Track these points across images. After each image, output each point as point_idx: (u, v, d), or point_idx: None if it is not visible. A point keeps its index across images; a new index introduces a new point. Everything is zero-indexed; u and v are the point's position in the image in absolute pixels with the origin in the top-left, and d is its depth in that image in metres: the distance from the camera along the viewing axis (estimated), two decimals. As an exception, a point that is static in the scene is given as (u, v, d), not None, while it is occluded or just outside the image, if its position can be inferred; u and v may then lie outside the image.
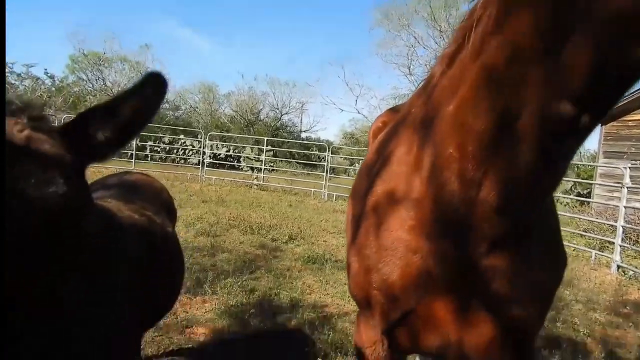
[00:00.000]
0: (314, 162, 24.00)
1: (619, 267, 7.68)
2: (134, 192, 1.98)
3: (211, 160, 19.77)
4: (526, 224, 1.14)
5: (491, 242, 1.13)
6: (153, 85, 0.99)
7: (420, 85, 1.44)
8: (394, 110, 2.78)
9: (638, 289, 6.82)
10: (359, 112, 22.97)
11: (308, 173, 23.78)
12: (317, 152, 26.82)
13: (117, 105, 0.98)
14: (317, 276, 5.74)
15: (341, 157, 29.39)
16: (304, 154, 25.54)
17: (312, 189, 16.56)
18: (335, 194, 15.86)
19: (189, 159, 21.14)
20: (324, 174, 16.86)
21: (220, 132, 31.00)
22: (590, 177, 16.93)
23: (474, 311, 1.23)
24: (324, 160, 17.29)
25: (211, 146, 20.55)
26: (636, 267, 7.65)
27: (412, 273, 1.25)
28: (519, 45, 0.89)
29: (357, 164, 28.37)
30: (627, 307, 5.92)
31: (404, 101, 2.97)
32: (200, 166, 17.78)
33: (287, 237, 7.72)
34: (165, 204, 2.20)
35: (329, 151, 17.39)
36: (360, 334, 1.57)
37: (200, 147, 18.69)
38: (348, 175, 26.83)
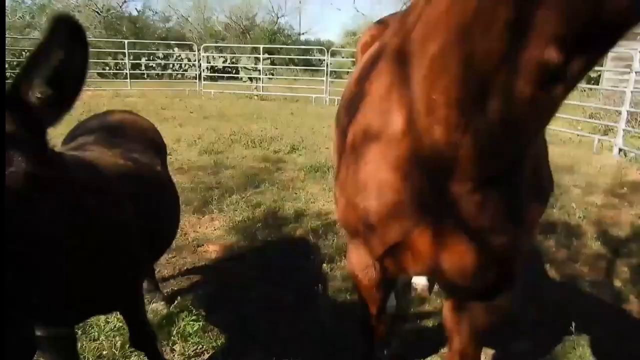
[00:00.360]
0: (315, 67, 23.30)
1: (620, 150, 7.73)
2: (118, 134, 2.00)
3: (209, 73, 19.30)
4: (512, 163, 1.16)
5: (475, 181, 1.15)
6: (65, 32, 0.93)
7: (404, 10, 1.35)
8: (381, 23, 2.65)
9: (637, 170, 6.92)
10: (357, 11, 21.53)
11: (310, 78, 23.22)
12: (317, 56, 25.95)
13: (41, 63, 0.94)
14: (321, 184, 5.91)
15: (343, 58, 28.36)
16: (304, 59, 24.73)
17: (314, 95, 16.30)
18: (337, 98, 15.60)
19: (185, 73, 20.64)
20: (324, 78, 16.47)
21: (216, 42, 29.82)
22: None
23: (457, 241, 1.29)
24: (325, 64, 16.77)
25: (207, 58, 19.94)
26: (638, 149, 7.68)
27: (395, 210, 1.30)
28: None
29: (359, 63, 27.34)
30: (625, 188, 6.08)
31: (393, 14, 2.81)
32: (197, 80, 17.43)
33: (289, 148, 7.81)
34: (152, 142, 2.23)
35: (328, 54, 16.81)
36: (352, 260, 1.68)
37: (196, 60, 18.16)
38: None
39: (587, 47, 0.79)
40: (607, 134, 9.41)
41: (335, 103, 15.22)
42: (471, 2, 0.89)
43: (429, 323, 3.00)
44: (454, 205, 1.22)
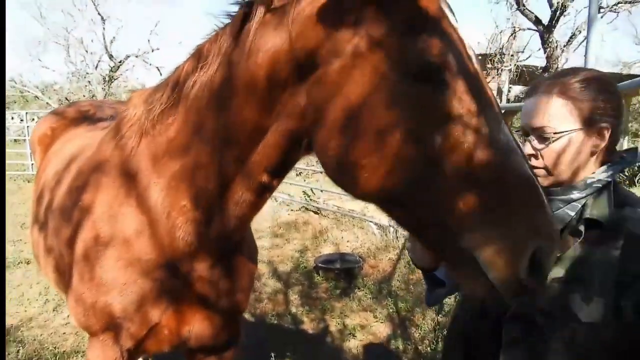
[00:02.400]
0: None
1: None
2: None
3: None
4: (240, 238, 1.54)
5: (214, 258, 1.46)
6: None
7: (112, 124, 1.50)
8: (59, 114, 2.62)
9: (287, 212, 8.66)
10: None
11: None
12: None
13: None
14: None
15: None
16: None
17: None
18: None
19: None
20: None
21: None
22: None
23: (203, 312, 1.54)
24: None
25: None
26: (283, 194, 9.59)
27: (143, 301, 1.44)
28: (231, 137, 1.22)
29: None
30: (281, 228, 7.50)
31: (72, 107, 2.79)
32: None
33: None
34: None
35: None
36: (99, 355, 1.64)
37: None
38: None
39: (281, 173, 1.29)
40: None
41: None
42: (204, 151, 1.26)
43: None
44: (197, 281, 1.49)
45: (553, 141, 1.18)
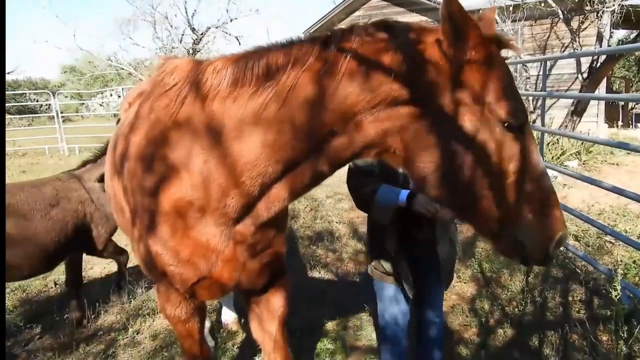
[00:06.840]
0: (35, 112, 19.97)
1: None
2: None
3: None
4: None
5: (260, 225, 1.64)
6: None
7: (185, 80, 1.54)
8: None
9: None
10: (81, 49, 18.95)
11: (29, 125, 19.97)
12: (36, 99, 22.43)
13: None
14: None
15: (67, 97, 25.39)
16: (18, 104, 21.12)
17: (47, 146, 14.24)
18: (77, 146, 14.05)
19: None
20: (56, 124, 14.54)
21: None
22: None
23: (251, 260, 1.76)
24: (47, 108, 14.59)
25: None
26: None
27: (208, 254, 1.65)
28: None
29: (89, 101, 24.87)
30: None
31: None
32: None
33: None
34: None
35: (55, 97, 14.92)
36: (166, 299, 1.92)
37: None
38: (82, 117, 23.47)
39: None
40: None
41: (77, 151, 13.71)
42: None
43: (246, 350, 3.23)
44: (247, 240, 1.70)
45: None
